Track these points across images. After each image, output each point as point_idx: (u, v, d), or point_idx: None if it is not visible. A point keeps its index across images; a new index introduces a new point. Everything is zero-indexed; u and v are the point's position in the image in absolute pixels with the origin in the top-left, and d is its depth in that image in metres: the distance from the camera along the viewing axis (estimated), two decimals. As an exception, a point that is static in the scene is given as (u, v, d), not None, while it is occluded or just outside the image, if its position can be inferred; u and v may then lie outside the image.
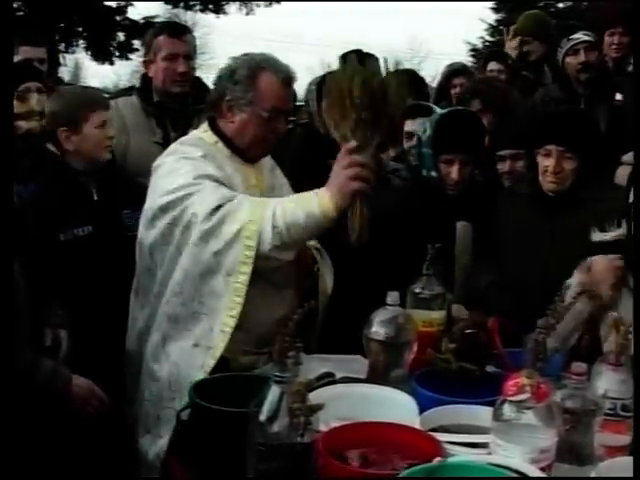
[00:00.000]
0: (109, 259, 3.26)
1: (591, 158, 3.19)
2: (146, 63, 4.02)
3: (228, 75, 2.92)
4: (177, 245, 2.75)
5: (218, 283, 2.69)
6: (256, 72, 2.87)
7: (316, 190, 2.67)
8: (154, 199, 2.83)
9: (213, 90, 3.06)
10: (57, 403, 2.79)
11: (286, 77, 2.91)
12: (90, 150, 3.33)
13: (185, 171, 2.79)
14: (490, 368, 2.49)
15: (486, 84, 4.59)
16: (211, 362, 2.66)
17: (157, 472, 2.61)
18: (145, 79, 4.02)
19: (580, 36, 4.73)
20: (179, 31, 4.04)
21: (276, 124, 2.91)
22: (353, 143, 2.61)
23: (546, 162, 3.17)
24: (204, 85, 4.29)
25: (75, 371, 2.87)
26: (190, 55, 4.02)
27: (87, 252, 3.23)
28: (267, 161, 3.14)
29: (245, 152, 2.95)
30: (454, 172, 3.40)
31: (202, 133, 2.99)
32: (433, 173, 3.47)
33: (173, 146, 3.00)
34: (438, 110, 4.16)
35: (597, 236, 2.77)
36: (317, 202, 2.63)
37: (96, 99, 3.42)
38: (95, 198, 3.36)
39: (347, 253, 2.82)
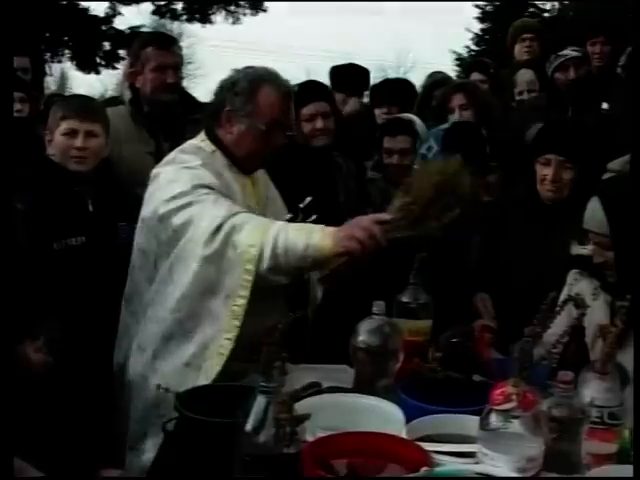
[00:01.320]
0: (102, 270, 3.24)
1: (589, 168, 3.21)
2: (133, 74, 3.99)
3: (229, 86, 2.94)
4: (177, 259, 2.76)
5: (217, 305, 2.69)
6: (257, 85, 2.89)
7: (324, 226, 2.67)
8: (155, 207, 2.83)
9: (213, 99, 3.07)
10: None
11: (286, 91, 2.94)
12: (58, 158, 3.32)
13: (184, 180, 2.79)
14: (477, 377, 2.48)
15: (471, 82, 4.69)
16: (203, 382, 2.64)
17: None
18: (133, 89, 4.00)
19: (569, 52, 4.75)
20: (168, 42, 4.04)
21: (273, 138, 2.92)
22: (386, 216, 2.62)
23: (545, 171, 3.20)
24: (190, 95, 4.30)
25: (66, 381, 2.85)
26: (178, 66, 4.02)
27: (80, 262, 3.21)
28: (262, 173, 3.15)
29: (242, 162, 2.96)
30: None
31: (200, 142, 3.00)
32: None
33: (172, 154, 2.99)
34: (418, 124, 4.19)
35: (576, 249, 2.79)
36: (319, 236, 2.62)
37: (72, 108, 3.38)
38: (90, 209, 3.34)
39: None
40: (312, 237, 2.61)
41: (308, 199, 2.98)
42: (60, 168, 3.31)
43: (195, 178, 2.79)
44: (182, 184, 2.78)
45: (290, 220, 2.88)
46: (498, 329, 2.98)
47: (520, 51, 5.63)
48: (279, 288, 2.80)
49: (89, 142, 3.33)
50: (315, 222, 2.86)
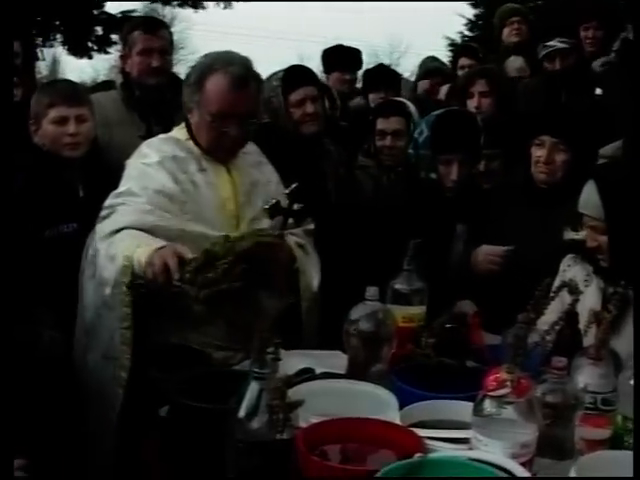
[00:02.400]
0: None
1: (582, 152, 3.21)
2: (123, 58, 4.03)
3: (186, 77, 2.94)
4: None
5: (109, 295, 2.71)
6: (205, 74, 2.85)
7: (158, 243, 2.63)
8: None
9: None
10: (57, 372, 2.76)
11: (236, 78, 2.83)
12: (48, 146, 3.30)
13: (132, 177, 2.88)
14: (470, 363, 2.48)
15: (494, 68, 4.64)
16: (123, 374, 2.68)
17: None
18: (124, 73, 4.01)
19: (555, 43, 4.75)
20: (154, 26, 4.05)
21: (226, 128, 2.86)
22: (187, 254, 2.52)
23: (538, 152, 3.21)
24: (180, 80, 4.29)
25: (59, 367, 2.84)
26: (166, 50, 4.02)
27: (72, 249, 3.14)
28: (252, 156, 3.10)
29: (208, 151, 2.93)
30: (453, 172, 3.43)
31: (179, 129, 3.00)
32: (432, 175, 3.48)
33: (141, 146, 3.00)
34: (412, 108, 4.19)
35: (569, 234, 2.79)
36: (138, 254, 2.61)
37: (59, 94, 3.35)
38: (81, 194, 3.33)
39: (331, 248, 2.80)
40: (135, 251, 2.63)
41: (293, 185, 2.96)
42: (49, 155, 3.29)
43: (142, 178, 2.84)
44: (128, 181, 2.87)
45: (275, 204, 2.79)
46: (492, 315, 2.97)
47: (509, 34, 5.63)
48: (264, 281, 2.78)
49: (81, 127, 3.32)
50: (302, 210, 2.82)
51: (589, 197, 2.67)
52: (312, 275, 2.99)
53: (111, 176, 3.39)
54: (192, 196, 2.85)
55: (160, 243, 2.61)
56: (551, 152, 3.18)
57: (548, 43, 4.78)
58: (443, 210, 3.45)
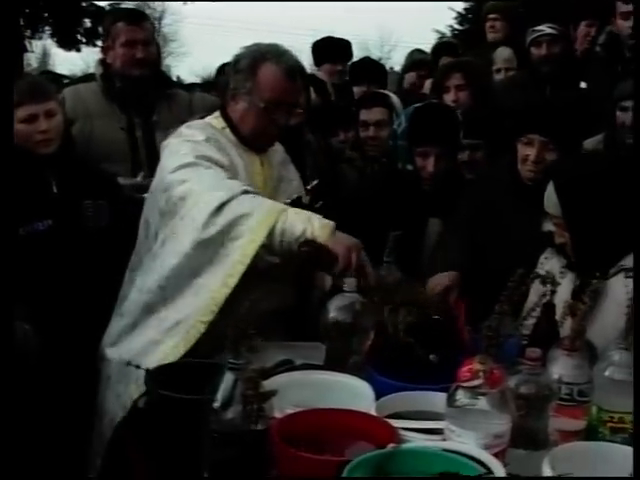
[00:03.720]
0: (71, 253, 3.20)
1: (571, 150, 3.20)
2: (104, 49, 4.03)
3: (233, 64, 2.95)
4: (171, 233, 2.75)
5: (201, 287, 2.67)
6: (258, 62, 2.89)
7: (323, 218, 2.64)
8: (160, 178, 2.86)
9: (222, 78, 3.07)
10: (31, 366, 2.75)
11: (288, 68, 2.90)
12: (21, 146, 3.19)
13: (185, 152, 2.80)
14: (433, 357, 2.46)
15: (470, 61, 4.64)
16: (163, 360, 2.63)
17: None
18: (105, 65, 4.00)
19: (544, 28, 4.77)
20: (137, 18, 4.05)
21: (276, 116, 2.91)
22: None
23: (527, 151, 3.16)
24: (162, 71, 4.30)
25: (41, 367, 2.83)
26: (149, 41, 4.03)
27: (48, 246, 3.16)
28: (279, 154, 3.16)
29: (248, 140, 2.96)
30: (430, 165, 3.43)
31: (213, 119, 3.01)
32: (409, 166, 3.49)
33: (180, 128, 2.98)
34: (394, 99, 4.20)
35: (547, 226, 2.80)
36: (318, 224, 2.60)
37: (25, 92, 3.24)
38: (55, 190, 3.27)
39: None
40: (311, 223, 2.59)
41: (314, 182, 2.97)
42: (21, 153, 3.24)
43: (197, 150, 2.80)
44: (183, 155, 2.79)
45: (296, 200, 2.87)
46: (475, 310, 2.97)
47: (486, 31, 5.67)
48: (279, 273, 2.78)
49: (51, 122, 3.25)
50: (322, 207, 2.88)
51: (549, 195, 2.69)
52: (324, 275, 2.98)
53: (87, 170, 3.40)
54: (236, 177, 2.85)
55: (325, 220, 2.63)
56: (540, 151, 3.15)
57: (537, 28, 4.80)
58: (418, 202, 3.45)
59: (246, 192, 2.68)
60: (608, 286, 2.57)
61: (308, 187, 2.92)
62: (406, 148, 3.51)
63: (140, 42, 3.93)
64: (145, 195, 3.08)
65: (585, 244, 2.63)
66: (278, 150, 3.16)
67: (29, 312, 2.89)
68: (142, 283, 2.85)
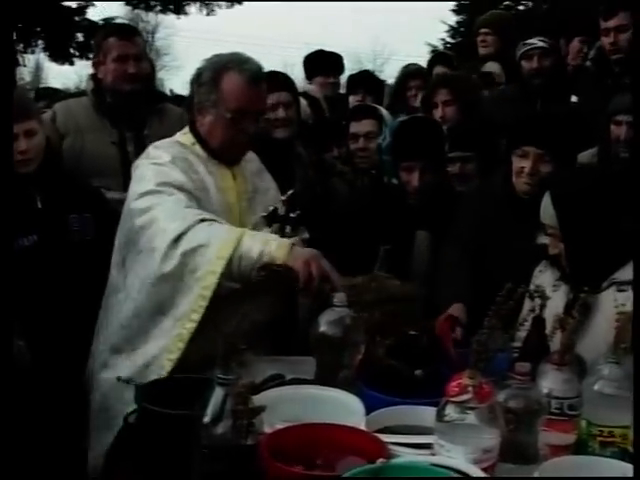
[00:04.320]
0: (57, 267, 3.18)
1: (566, 162, 3.21)
2: (96, 64, 4.03)
3: (196, 77, 2.94)
4: (131, 268, 2.77)
5: (166, 325, 2.68)
6: (220, 73, 2.87)
7: (279, 238, 2.66)
8: (127, 202, 2.85)
9: (188, 92, 3.07)
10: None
11: (252, 76, 2.88)
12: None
13: (149, 178, 2.79)
14: (419, 372, 2.46)
15: (457, 75, 4.64)
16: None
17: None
18: (95, 80, 4.01)
19: (535, 41, 4.80)
20: (129, 33, 4.06)
21: (243, 125, 2.89)
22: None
23: (522, 163, 3.16)
24: (153, 85, 4.31)
25: (33, 381, 2.82)
26: (141, 56, 4.03)
27: (34, 261, 3.13)
28: (253, 163, 3.14)
29: (219, 153, 2.94)
30: (414, 179, 3.44)
31: (182, 135, 3.00)
32: (394, 180, 3.50)
33: (149, 149, 2.98)
34: (384, 111, 4.22)
35: (542, 239, 2.81)
36: (275, 245, 2.60)
37: None
38: (39, 205, 3.24)
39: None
40: (268, 245, 2.59)
41: (290, 192, 2.96)
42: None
43: (160, 175, 2.79)
44: (147, 182, 2.79)
45: (272, 212, 2.85)
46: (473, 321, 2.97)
47: (478, 45, 5.69)
48: (267, 286, 2.75)
49: (30, 142, 3.19)
50: (299, 217, 2.86)
51: (546, 206, 2.72)
52: None
53: (72, 184, 3.38)
54: (204, 197, 2.86)
55: (282, 239, 2.65)
56: (536, 163, 3.15)
57: (528, 41, 4.83)
58: (405, 215, 3.47)
59: (202, 220, 2.68)
60: (599, 300, 2.59)
61: (283, 197, 2.90)
62: (391, 163, 3.53)
63: (132, 57, 3.93)
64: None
65: (579, 255, 2.65)
66: (252, 159, 3.14)
67: (21, 328, 2.89)
68: (107, 322, 2.88)
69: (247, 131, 2.91)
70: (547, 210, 2.71)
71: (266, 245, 2.59)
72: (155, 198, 2.74)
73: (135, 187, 2.84)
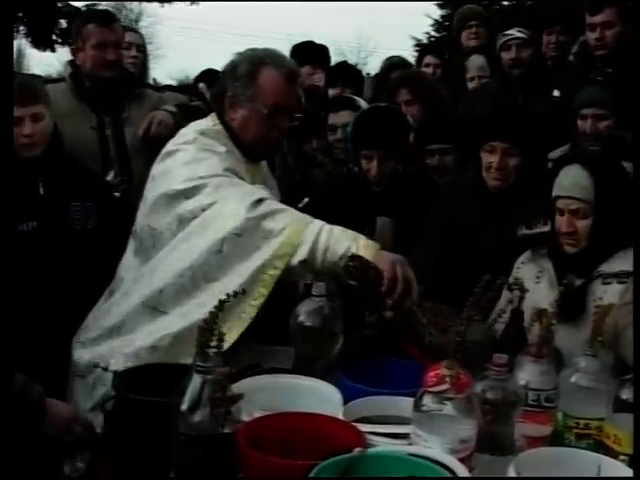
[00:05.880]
0: (56, 255, 3.16)
1: (533, 154, 3.23)
2: (74, 51, 4.03)
3: (230, 70, 2.90)
4: (199, 229, 2.63)
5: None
6: (257, 67, 2.84)
7: (363, 236, 2.57)
8: (170, 184, 2.72)
9: (216, 85, 3.04)
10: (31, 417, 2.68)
11: (289, 72, 2.87)
12: None
13: (211, 162, 2.73)
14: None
15: (414, 74, 4.67)
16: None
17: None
18: (74, 65, 4.02)
19: (513, 32, 4.82)
20: (108, 19, 4.04)
21: (278, 121, 2.87)
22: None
23: (490, 158, 3.21)
24: (129, 71, 4.32)
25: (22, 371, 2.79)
26: (120, 43, 4.04)
27: (32, 248, 3.11)
28: (264, 162, 3.13)
29: (250, 149, 2.91)
30: (373, 168, 3.49)
31: (214, 126, 2.91)
32: (356, 168, 3.54)
33: (191, 134, 2.88)
34: (362, 102, 4.24)
35: (522, 231, 2.83)
36: (364, 243, 2.52)
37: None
38: (41, 192, 3.23)
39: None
40: (356, 242, 2.51)
41: (306, 200, 2.94)
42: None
43: (224, 162, 2.74)
44: (209, 166, 2.70)
45: None
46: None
47: (467, 38, 5.71)
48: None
49: (37, 126, 3.19)
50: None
51: (577, 180, 2.76)
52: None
53: (74, 172, 3.36)
54: None
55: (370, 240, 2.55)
56: (503, 158, 3.19)
57: (507, 32, 4.85)
58: (367, 202, 3.52)
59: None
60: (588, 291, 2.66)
61: (300, 205, 2.90)
62: (352, 151, 3.58)
63: (111, 44, 3.93)
64: (116, 194, 3.02)
65: (606, 229, 2.71)
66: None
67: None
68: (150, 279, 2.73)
69: (281, 128, 2.89)
70: (580, 183, 2.75)
71: (354, 242, 2.51)
72: (222, 179, 2.66)
73: (189, 169, 2.72)
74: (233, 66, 2.89)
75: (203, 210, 2.62)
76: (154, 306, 2.66)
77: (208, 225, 2.60)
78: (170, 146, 2.88)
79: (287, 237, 2.51)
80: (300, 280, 2.68)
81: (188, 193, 2.67)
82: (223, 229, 2.56)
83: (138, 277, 2.79)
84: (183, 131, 2.96)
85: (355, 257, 2.45)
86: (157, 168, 2.86)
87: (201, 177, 2.67)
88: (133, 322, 2.71)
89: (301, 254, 2.50)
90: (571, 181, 2.75)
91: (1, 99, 2.39)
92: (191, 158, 2.76)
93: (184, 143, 2.85)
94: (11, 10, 2.49)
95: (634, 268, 2.57)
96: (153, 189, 2.81)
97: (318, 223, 2.56)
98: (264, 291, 2.53)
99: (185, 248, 2.63)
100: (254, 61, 2.86)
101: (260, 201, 2.58)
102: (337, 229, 2.55)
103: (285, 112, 2.88)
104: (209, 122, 2.95)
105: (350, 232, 2.57)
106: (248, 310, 2.53)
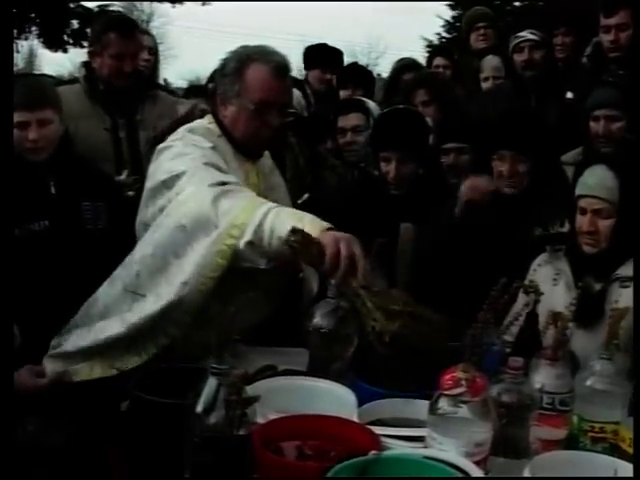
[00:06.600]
0: (67, 254, 3.17)
1: (544, 156, 3.23)
2: (91, 54, 4.03)
3: (220, 68, 2.90)
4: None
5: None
6: (245, 64, 2.83)
7: (312, 215, 2.50)
8: (156, 177, 2.76)
9: (210, 83, 3.04)
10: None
11: (277, 67, 2.84)
12: (16, 149, 3.12)
13: (194, 157, 2.72)
14: None
15: (430, 75, 4.66)
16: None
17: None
18: (89, 68, 4.03)
19: (525, 34, 4.80)
20: (130, 29, 4.04)
21: (267, 117, 2.84)
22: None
23: (501, 167, 3.24)
24: (143, 73, 4.33)
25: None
26: (137, 52, 4.06)
27: (43, 247, 3.13)
28: (268, 159, 3.11)
29: (243, 146, 2.90)
30: (392, 170, 3.46)
31: (208, 124, 2.94)
32: (375, 171, 3.54)
33: (180, 132, 2.91)
34: (371, 104, 4.23)
35: (539, 232, 2.84)
36: (309, 218, 2.44)
37: (20, 97, 3.10)
38: (53, 191, 3.23)
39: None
40: (303, 220, 2.43)
41: (306, 195, 2.92)
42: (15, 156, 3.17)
43: (206, 158, 2.73)
44: (192, 160, 2.70)
45: None
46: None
47: (476, 39, 5.70)
48: (267, 283, 2.72)
49: (43, 131, 3.17)
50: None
51: (601, 181, 2.74)
52: (312, 281, 2.95)
53: (86, 172, 3.38)
54: None
55: (315, 219, 2.46)
56: (513, 165, 3.21)
57: (519, 34, 4.84)
58: (389, 208, 3.49)
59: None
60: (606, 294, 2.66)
61: (299, 201, 2.88)
62: (371, 153, 3.58)
63: (129, 56, 3.95)
64: (130, 193, 3.02)
65: (627, 231, 2.69)
66: (266, 155, 3.10)
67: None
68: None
69: (270, 124, 2.85)
70: (605, 183, 2.74)
71: (300, 221, 2.42)
72: (204, 170, 2.67)
73: (173, 163, 2.73)
74: (223, 64, 2.90)
75: (177, 195, 2.64)
76: (134, 290, 2.69)
77: (177, 206, 2.63)
78: (162, 144, 2.91)
79: (235, 217, 2.48)
80: (252, 265, 2.53)
81: (168, 183, 2.69)
82: (187, 207, 2.58)
83: (124, 265, 2.81)
84: (178, 130, 2.98)
85: (297, 231, 2.33)
86: (151, 166, 2.89)
87: (181, 169, 2.68)
88: (117, 308, 2.73)
89: (247, 235, 2.46)
90: (596, 181, 2.74)
91: (1, 99, 2.41)
92: (177, 153, 2.78)
93: (173, 140, 2.88)
94: (11, 10, 2.48)
95: (634, 268, 2.56)
96: (147, 186, 2.86)
97: (268, 205, 2.51)
98: (222, 262, 2.51)
99: (158, 231, 2.67)
100: (242, 58, 2.85)
101: (223, 184, 2.59)
102: (286, 210, 2.52)
103: (273, 108, 2.85)
104: (205, 120, 2.98)
105: (300, 213, 2.52)
106: (207, 282, 2.53)
